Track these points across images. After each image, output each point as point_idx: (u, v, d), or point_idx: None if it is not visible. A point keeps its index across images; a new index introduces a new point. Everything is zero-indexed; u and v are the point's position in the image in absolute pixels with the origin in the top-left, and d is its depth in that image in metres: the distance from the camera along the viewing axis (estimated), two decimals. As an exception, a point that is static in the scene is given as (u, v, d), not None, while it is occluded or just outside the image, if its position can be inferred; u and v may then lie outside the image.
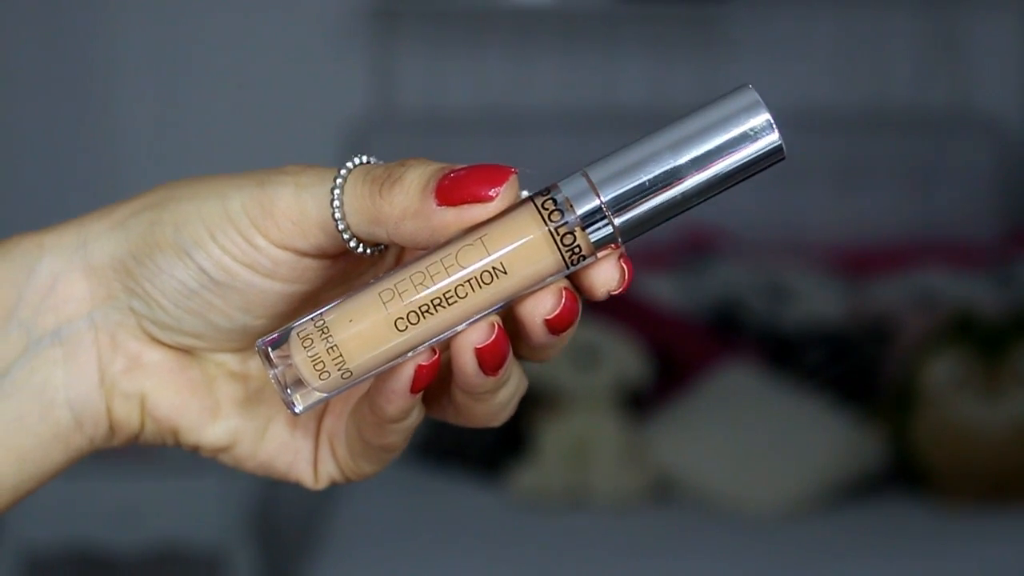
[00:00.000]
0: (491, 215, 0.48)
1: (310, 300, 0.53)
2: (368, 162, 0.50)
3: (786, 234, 2.76)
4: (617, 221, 0.48)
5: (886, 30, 2.88)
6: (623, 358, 2.33)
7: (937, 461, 2.24)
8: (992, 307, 2.47)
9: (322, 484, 0.56)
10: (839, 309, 2.56)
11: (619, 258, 0.49)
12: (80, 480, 2.29)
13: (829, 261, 2.70)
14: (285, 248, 0.51)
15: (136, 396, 0.54)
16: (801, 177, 2.73)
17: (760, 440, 2.27)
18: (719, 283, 2.59)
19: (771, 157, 0.48)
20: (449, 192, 0.47)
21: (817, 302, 2.55)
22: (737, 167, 0.48)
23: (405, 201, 0.48)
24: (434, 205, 0.47)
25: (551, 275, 0.48)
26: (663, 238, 2.62)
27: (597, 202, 0.47)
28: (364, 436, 0.53)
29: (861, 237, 2.79)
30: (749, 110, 0.47)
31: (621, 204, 0.47)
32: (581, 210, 0.47)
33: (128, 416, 0.54)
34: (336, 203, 0.49)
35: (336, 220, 0.49)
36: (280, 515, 2.68)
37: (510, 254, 0.47)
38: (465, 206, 0.47)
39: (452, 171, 0.48)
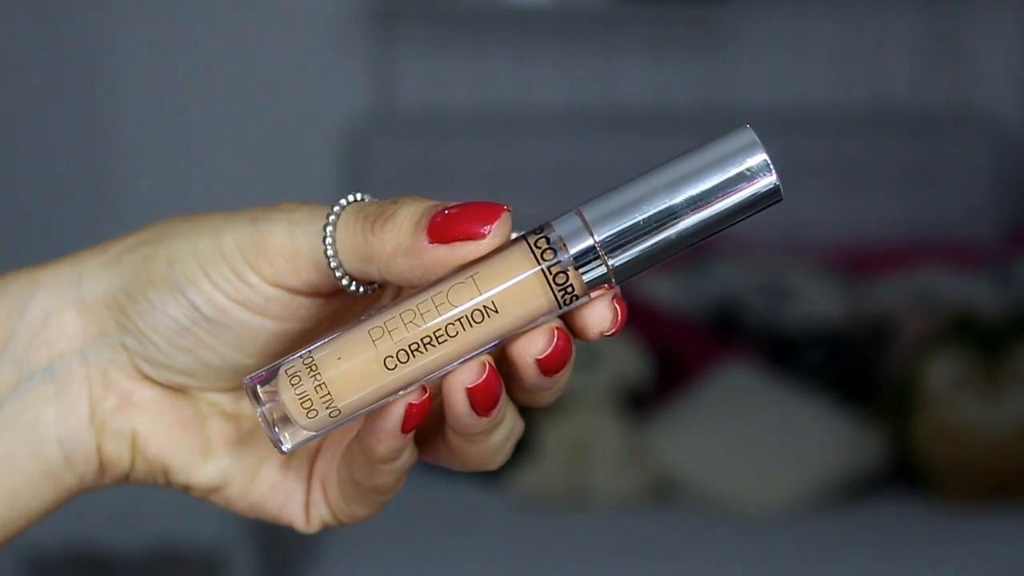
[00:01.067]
0: (483, 253, 0.47)
1: (303, 340, 0.52)
2: (362, 199, 0.50)
3: (786, 234, 2.75)
4: (611, 261, 0.47)
5: (885, 30, 2.87)
6: (623, 358, 2.32)
7: (937, 461, 2.24)
8: (992, 307, 2.47)
9: (314, 527, 0.55)
10: (839, 309, 2.55)
11: (613, 299, 0.48)
12: (80, 481, 2.29)
13: (829, 261, 2.69)
14: (277, 285, 0.50)
15: (127, 434, 0.53)
16: (801, 177, 2.72)
17: (760, 440, 2.27)
18: (719, 283, 2.58)
19: (768, 198, 0.47)
20: (441, 229, 0.47)
21: (817, 302, 2.54)
22: (733, 208, 0.47)
23: (397, 238, 0.47)
24: (426, 242, 0.47)
25: (543, 315, 0.47)
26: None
27: (591, 241, 0.47)
28: (355, 478, 0.52)
29: (861, 237, 2.78)
30: (747, 150, 0.47)
31: (616, 244, 0.47)
32: (574, 249, 0.47)
33: (119, 454, 0.53)
34: (328, 240, 0.49)
35: (328, 257, 0.49)
36: (280, 515, 2.68)
37: (502, 293, 0.47)
38: (457, 243, 0.47)
39: (445, 208, 0.47)
